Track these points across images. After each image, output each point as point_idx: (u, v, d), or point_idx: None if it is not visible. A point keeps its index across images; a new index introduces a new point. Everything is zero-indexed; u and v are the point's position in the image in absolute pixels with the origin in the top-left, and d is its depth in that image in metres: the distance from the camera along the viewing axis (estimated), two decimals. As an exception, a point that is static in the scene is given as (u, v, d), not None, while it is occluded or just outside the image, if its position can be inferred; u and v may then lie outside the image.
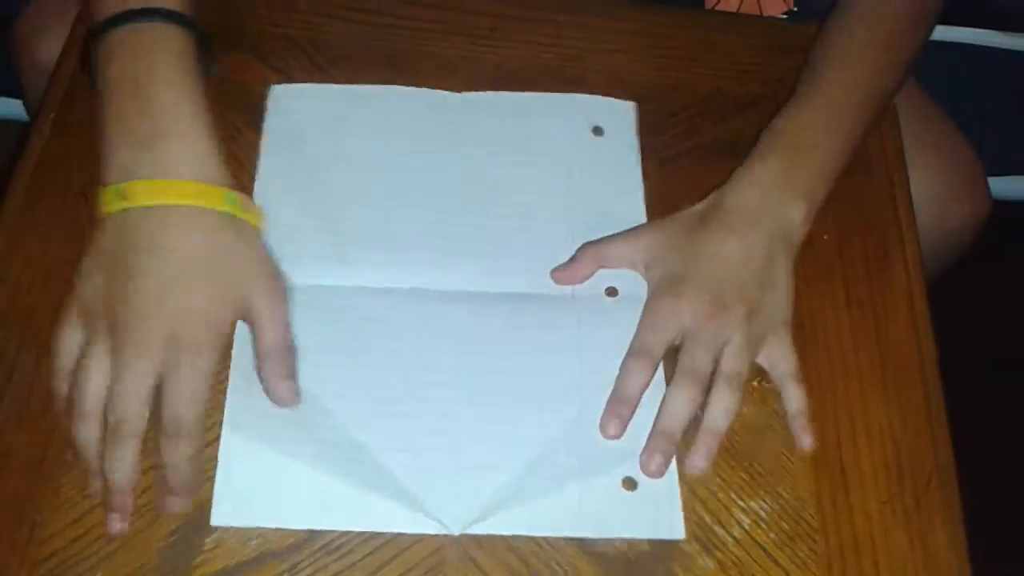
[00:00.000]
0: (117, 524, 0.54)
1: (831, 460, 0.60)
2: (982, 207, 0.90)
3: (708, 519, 0.58)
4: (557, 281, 0.64)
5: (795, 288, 0.63)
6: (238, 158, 0.68)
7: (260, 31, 0.74)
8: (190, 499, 0.55)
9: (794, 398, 0.61)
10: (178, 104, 0.58)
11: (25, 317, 0.61)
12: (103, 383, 0.55)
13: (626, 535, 0.57)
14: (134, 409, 0.54)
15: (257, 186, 0.67)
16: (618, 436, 0.59)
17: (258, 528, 0.55)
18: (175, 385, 0.54)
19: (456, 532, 0.56)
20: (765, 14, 0.87)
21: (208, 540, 0.55)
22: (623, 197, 0.69)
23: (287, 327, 0.59)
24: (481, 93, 0.72)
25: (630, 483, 0.58)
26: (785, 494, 0.59)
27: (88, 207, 0.63)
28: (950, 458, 0.61)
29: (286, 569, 0.55)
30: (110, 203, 0.57)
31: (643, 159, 0.71)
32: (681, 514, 0.58)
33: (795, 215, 0.64)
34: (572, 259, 0.65)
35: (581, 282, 0.64)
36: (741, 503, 0.58)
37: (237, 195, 0.58)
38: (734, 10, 0.87)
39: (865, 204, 0.70)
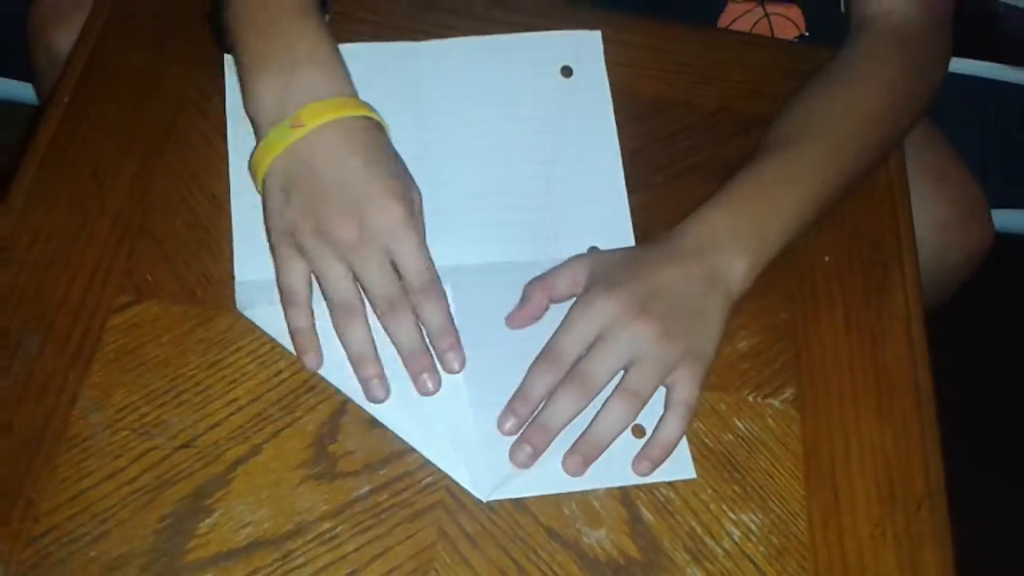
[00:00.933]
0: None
1: (824, 479, 0.61)
2: (984, 239, 0.90)
3: (699, 530, 0.58)
4: (513, 325, 0.63)
5: (721, 335, 0.62)
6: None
7: None
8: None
9: (671, 429, 0.59)
10: (313, 35, 0.63)
11: (31, 295, 0.61)
12: (346, 281, 0.60)
13: (641, 481, 0.59)
14: (394, 286, 0.60)
15: (232, 160, 0.67)
16: (513, 433, 0.59)
17: (251, 517, 0.56)
18: (402, 253, 0.60)
19: (484, 499, 0.58)
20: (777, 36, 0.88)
21: (202, 525, 0.55)
22: (597, 142, 0.70)
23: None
24: (447, 40, 0.72)
25: (639, 430, 0.60)
26: (776, 508, 0.59)
27: (99, 188, 0.64)
28: (941, 484, 0.62)
29: (278, 558, 0.55)
30: (280, 139, 0.61)
31: (650, 172, 0.71)
32: (689, 455, 0.60)
33: (737, 267, 0.63)
34: (522, 300, 0.63)
35: (539, 318, 0.63)
36: (732, 515, 0.59)
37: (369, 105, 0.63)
38: (747, 31, 0.88)
39: (867, 228, 0.71)
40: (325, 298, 0.61)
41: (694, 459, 0.60)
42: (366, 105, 0.63)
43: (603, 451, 0.59)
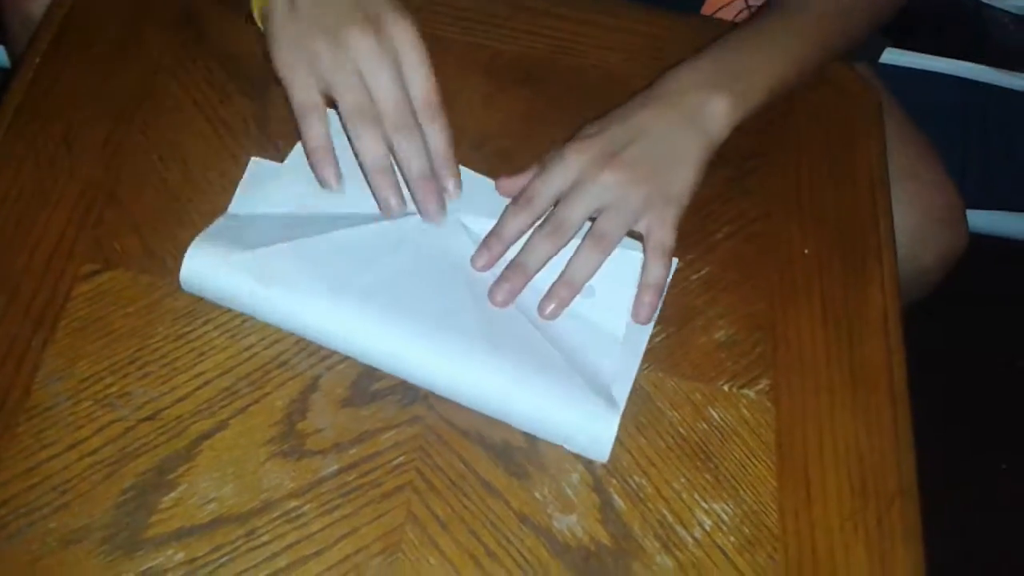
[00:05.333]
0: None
1: (796, 472, 0.60)
2: (958, 244, 0.90)
3: (670, 518, 0.58)
4: (504, 191, 0.65)
5: (698, 178, 0.64)
6: (227, 122, 0.67)
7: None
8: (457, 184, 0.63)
9: (653, 270, 0.62)
10: None
11: (-6, 260, 0.59)
12: (361, 87, 0.60)
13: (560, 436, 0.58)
14: (405, 100, 0.61)
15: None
16: (485, 269, 0.62)
17: (215, 493, 0.54)
18: (414, 68, 0.61)
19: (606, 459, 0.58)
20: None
21: (164, 500, 0.54)
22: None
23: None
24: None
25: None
26: (748, 499, 0.59)
27: (64, 141, 0.62)
28: (914, 481, 0.61)
29: (243, 535, 0.54)
30: None
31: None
32: (612, 442, 0.58)
33: (716, 106, 0.65)
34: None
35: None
36: (704, 504, 0.58)
37: None
38: (730, 19, 0.87)
39: (847, 221, 0.71)
40: (338, 107, 0.61)
41: (669, 447, 0.60)
42: None
43: (576, 294, 0.62)
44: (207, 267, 0.59)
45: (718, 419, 0.61)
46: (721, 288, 0.66)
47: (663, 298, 0.63)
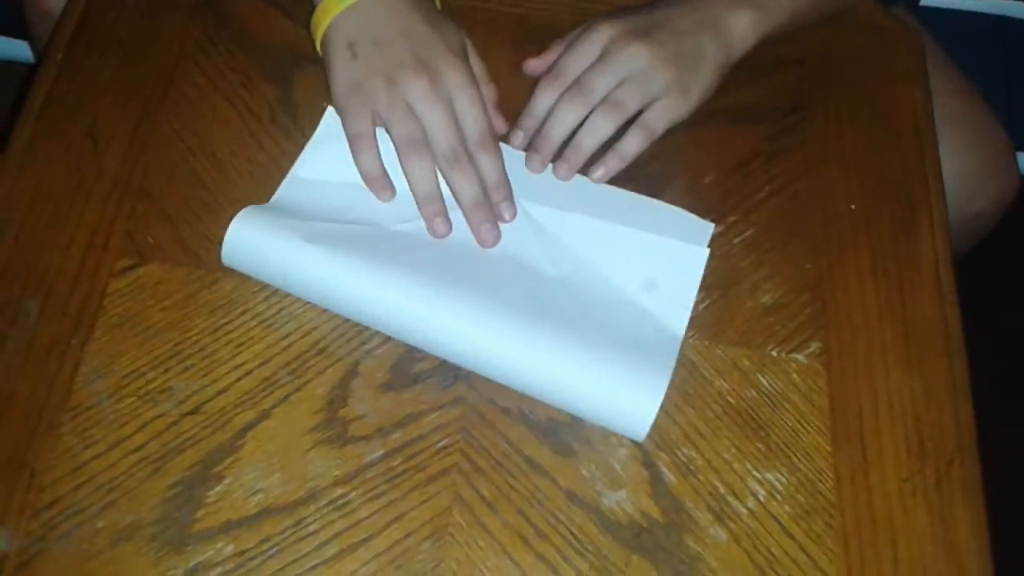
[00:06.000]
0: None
1: (851, 434, 0.59)
2: (1010, 187, 0.87)
3: (722, 489, 0.56)
4: (531, 70, 0.68)
5: (711, 86, 0.66)
6: (251, 108, 0.66)
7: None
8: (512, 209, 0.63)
9: (629, 144, 0.64)
10: None
11: (29, 261, 0.59)
12: (414, 121, 0.62)
13: (595, 414, 0.57)
14: (457, 136, 0.62)
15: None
16: (522, 147, 0.66)
17: (262, 484, 0.54)
18: (466, 106, 0.62)
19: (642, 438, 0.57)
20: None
21: (211, 493, 0.54)
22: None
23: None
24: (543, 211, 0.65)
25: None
26: (802, 466, 0.58)
27: (93, 134, 0.61)
28: (973, 437, 0.60)
29: (290, 525, 0.53)
30: (334, 5, 0.63)
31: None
32: (650, 423, 0.55)
33: (741, 19, 0.66)
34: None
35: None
36: (756, 474, 0.57)
37: None
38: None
39: (894, 173, 0.68)
40: (392, 138, 0.62)
41: (718, 416, 0.58)
42: None
43: (586, 157, 0.64)
44: (253, 230, 0.58)
45: (767, 386, 0.60)
46: (766, 250, 0.64)
47: None
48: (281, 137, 0.65)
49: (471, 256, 0.61)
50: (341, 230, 0.60)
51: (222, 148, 0.64)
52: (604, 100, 0.64)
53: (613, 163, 0.65)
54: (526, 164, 0.65)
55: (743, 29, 0.66)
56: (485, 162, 0.62)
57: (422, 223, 0.62)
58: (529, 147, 0.65)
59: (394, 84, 0.61)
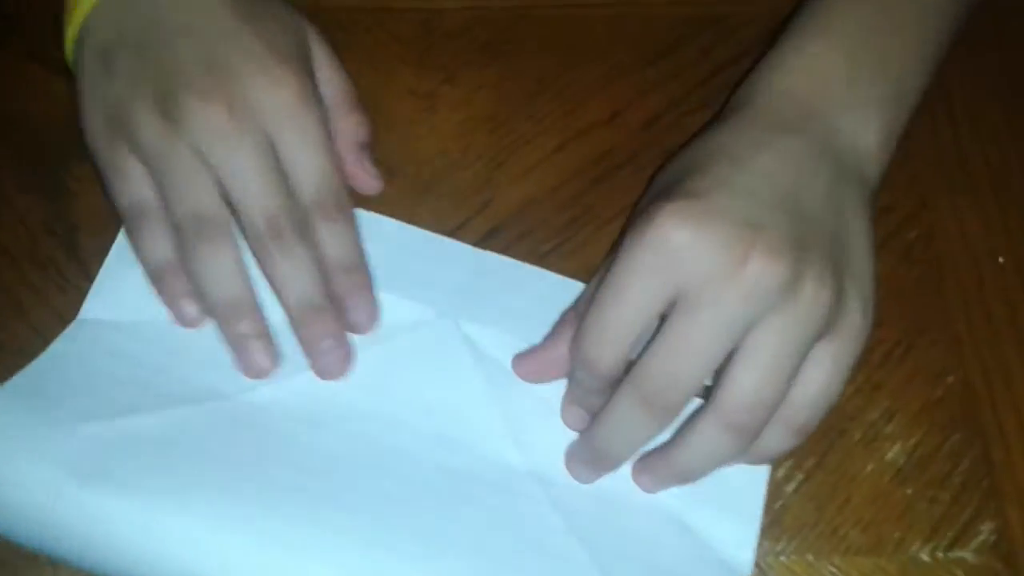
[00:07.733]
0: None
1: None
2: None
3: None
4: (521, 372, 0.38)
5: (873, 256, 0.35)
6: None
7: None
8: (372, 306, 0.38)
9: (776, 446, 0.34)
10: None
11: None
12: (205, 186, 0.36)
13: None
14: (280, 197, 0.37)
15: None
16: (575, 429, 0.37)
17: None
18: (297, 147, 0.37)
19: None
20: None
21: None
22: None
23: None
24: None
25: None
26: None
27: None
28: None
29: None
30: None
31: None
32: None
33: (867, 135, 0.37)
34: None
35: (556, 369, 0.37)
36: None
37: None
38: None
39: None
40: (171, 214, 0.37)
41: None
42: None
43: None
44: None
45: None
46: (878, 365, 0.39)
47: None
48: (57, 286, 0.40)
49: (380, 452, 0.36)
50: (141, 427, 0.34)
51: None
52: (713, 402, 0.33)
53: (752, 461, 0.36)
54: (567, 464, 0.36)
55: (874, 149, 0.37)
56: (330, 235, 0.38)
57: (291, 383, 0.37)
58: (575, 460, 0.37)
59: (169, 117, 0.36)
